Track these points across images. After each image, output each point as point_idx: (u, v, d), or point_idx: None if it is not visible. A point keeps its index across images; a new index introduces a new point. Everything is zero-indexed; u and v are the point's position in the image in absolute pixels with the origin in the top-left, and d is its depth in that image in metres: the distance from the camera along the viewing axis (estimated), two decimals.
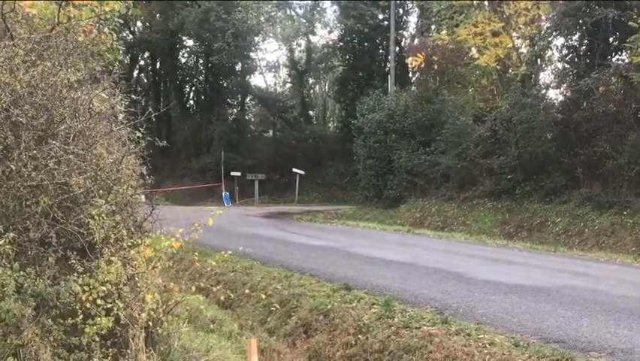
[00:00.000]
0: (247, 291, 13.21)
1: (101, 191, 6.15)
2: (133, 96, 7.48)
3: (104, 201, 5.93)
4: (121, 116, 7.69)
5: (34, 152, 5.73)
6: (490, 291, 11.91)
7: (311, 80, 57.61)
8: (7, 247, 5.39)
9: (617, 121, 23.12)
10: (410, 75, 44.25)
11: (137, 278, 5.73)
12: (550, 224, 23.23)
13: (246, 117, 54.24)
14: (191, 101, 56.77)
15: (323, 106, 58.82)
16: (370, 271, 14.37)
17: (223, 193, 41.86)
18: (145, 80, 57.77)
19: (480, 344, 8.83)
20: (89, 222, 5.80)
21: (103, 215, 5.84)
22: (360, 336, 10.39)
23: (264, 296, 12.35)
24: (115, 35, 9.06)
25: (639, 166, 21.35)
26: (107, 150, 6.64)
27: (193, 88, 56.54)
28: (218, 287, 11.62)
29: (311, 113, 55.67)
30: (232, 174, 41.69)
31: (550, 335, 8.98)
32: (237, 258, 15.82)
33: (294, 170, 41.84)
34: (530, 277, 13.13)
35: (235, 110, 53.61)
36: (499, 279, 12.93)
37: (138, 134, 7.19)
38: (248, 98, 54.75)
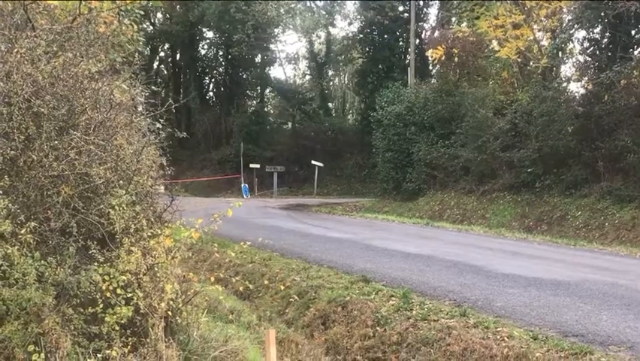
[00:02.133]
0: (266, 282, 13.26)
1: (121, 182, 6.20)
2: (153, 87, 7.47)
3: (124, 192, 5.96)
4: (141, 108, 7.73)
5: (56, 142, 5.77)
6: (508, 284, 11.87)
7: (330, 72, 57.64)
8: (29, 236, 5.44)
9: (639, 114, 22.93)
10: (430, 68, 44.18)
11: (156, 268, 5.76)
12: (571, 218, 23.09)
13: (265, 109, 54.39)
14: (211, 93, 57.01)
15: (342, 98, 58.82)
16: (389, 264, 14.35)
17: (242, 185, 41.99)
18: (165, 72, 57.98)
19: (498, 337, 8.80)
20: (109, 212, 5.84)
21: (123, 205, 5.87)
22: (378, 328, 10.38)
23: (282, 288, 12.38)
24: (135, 27, 9.09)
25: None
26: (127, 141, 6.68)
27: (213, 80, 56.70)
28: (236, 278, 11.70)
29: (330, 105, 55.67)
30: (251, 166, 41.81)
31: (569, 329, 8.93)
32: (256, 249, 15.89)
33: (313, 162, 41.91)
34: (550, 271, 13.05)
35: (254, 102, 53.78)
36: (518, 272, 12.87)
37: (158, 125, 7.23)
38: (267, 90, 54.90)
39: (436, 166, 31.26)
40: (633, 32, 24.52)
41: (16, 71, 5.83)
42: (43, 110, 5.71)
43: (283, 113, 54.63)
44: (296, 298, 12.46)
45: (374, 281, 12.56)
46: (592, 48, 26.36)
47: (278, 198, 40.51)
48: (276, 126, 53.88)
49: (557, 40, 27.61)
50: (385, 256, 15.45)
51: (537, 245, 17.84)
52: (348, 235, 19.67)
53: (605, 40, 25.58)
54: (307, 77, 57.33)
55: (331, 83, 58.35)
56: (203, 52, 55.76)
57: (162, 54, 57.27)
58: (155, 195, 6.79)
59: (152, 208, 6.62)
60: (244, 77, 52.03)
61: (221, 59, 54.48)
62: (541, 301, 10.57)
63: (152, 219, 6.44)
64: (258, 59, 50.70)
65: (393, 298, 11.23)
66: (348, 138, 48.38)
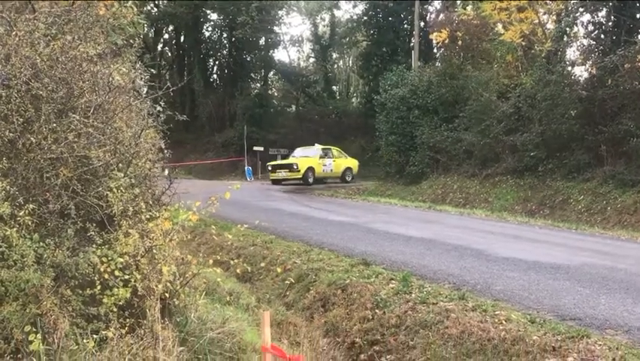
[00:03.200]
0: (264, 265, 13.32)
1: (120, 164, 6.22)
2: (152, 70, 7.45)
3: (122, 175, 5.99)
4: (144, 90, 7.74)
5: (54, 125, 5.80)
6: (508, 268, 11.91)
7: (334, 55, 57.46)
8: (27, 218, 5.48)
9: None
10: (434, 51, 44.02)
11: (154, 250, 5.80)
12: (573, 202, 23.12)
13: (269, 92, 54.30)
14: (215, 76, 56.86)
15: (346, 81, 58.73)
16: (390, 247, 14.39)
17: (246, 168, 42.00)
18: (169, 54, 57.90)
19: (496, 320, 8.84)
20: (107, 194, 5.87)
21: (122, 188, 5.90)
22: (377, 311, 10.44)
23: (279, 270, 12.45)
24: (136, 9, 9.07)
25: None
26: (126, 124, 6.70)
27: (217, 62, 56.59)
28: (236, 260, 11.74)
29: (334, 88, 55.62)
30: (255, 148, 41.81)
31: (567, 313, 8.97)
32: (257, 232, 15.95)
33: (316, 145, 41.89)
34: (550, 255, 13.08)
35: (258, 84, 53.65)
36: (518, 256, 12.90)
37: (158, 108, 7.24)
38: (271, 73, 54.82)
39: (439, 150, 31.24)
40: (638, 16, 24.40)
41: (15, 54, 5.85)
42: (42, 92, 5.73)
43: (287, 96, 54.59)
44: (294, 280, 12.51)
45: (374, 264, 12.60)
46: (596, 32, 26.30)
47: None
48: (280, 109, 53.83)
49: (562, 24, 27.54)
50: (386, 240, 15.49)
51: (538, 229, 17.85)
52: (349, 218, 19.69)
53: (610, 23, 25.48)
54: (311, 60, 57.25)
55: (335, 66, 58.22)
56: (207, 34, 55.64)
57: (166, 36, 57.19)
58: (153, 177, 6.81)
59: (150, 191, 6.65)
60: (248, 59, 51.92)
61: (225, 42, 54.39)
62: (540, 284, 10.60)
63: (151, 202, 6.48)
64: (262, 41, 50.69)
65: (393, 282, 11.28)
66: (351, 121, 48.35)
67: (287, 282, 12.17)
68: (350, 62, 59.26)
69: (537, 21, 29.64)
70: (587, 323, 8.46)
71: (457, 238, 15.54)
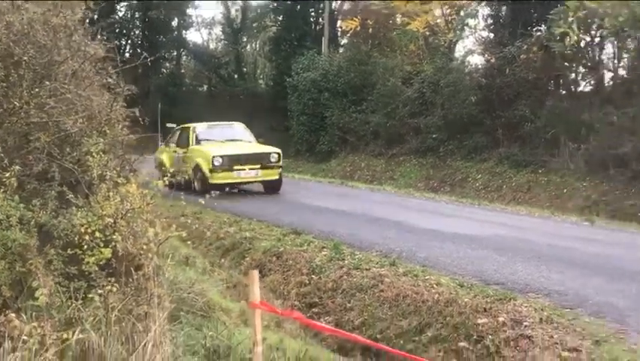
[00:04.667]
0: (202, 233, 13.26)
1: (95, 131, 6.11)
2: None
3: (101, 139, 5.89)
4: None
5: (36, 90, 5.63)
6: (428, 238, 12.24)
7: (245, 39, 57.03)
8: (13, 179, 5.32)
9: (536, 87, 23.89)
10: (340, 38, 44.30)
11: (134, 213, 5.72)
12: (471, 180, 23.87)
13: (182, 71, 53.66)
14: (127, 55, 55.44)
15: (254, 64, 58.32)
16: (315, 219, 14.54)
17: (160, 144, 41.24)
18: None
19: (427, 284, 9.09)
20: (87, 158, 5.75)
21: (101, 153, 5.80)
22: (313, 276, 10.59)
23: (208, 233, 12.41)
24: None
25: (554, 129, 22.07)
26: (96, 94, 6.57)
27: (129, 42, 55.22)
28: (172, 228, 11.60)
29: (245, 70, 55.20)
30: (168, 125, 41.09)
31: (490, 278, 9.31)
32: (185, 203, 15.75)
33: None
34: (462, 227, 13.44)
35: (171, 64, 52.92)
36: (435, 227, 13.25)
37: None
38: (183, 53, 54.11)
39: (348, 130, 31.55)
40: (532, 11, 25.23)
41: None
42: (25, 58, 5.55)
43: (199, 76, 54.02)
44: (229, 247, 12.48)
45: (304, 234, 12.73)
46: (495, 24, 27.08)
47: None
48: (192, 88, 53.22)
49: (462, 14, 28.24)
50: (310, 212, 15.66)
51: (445, 204, 18.31)
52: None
53: (508, 17, 26.27)
54: (222, 42, 56.65)
55: (246, 48, 57.78)
56: (120, 14, 54.20)
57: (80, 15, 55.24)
58: (125, 145, 6.71)
59: (123, 157, 6.56)
60: (160, 39, 51.09)
61: (137, 22, 53.22)
62: (460, 253, 10.95)
63: (124, 168, 6.39)
64: (175, 22, 50.09)
65: (325, 250, 11.44)
66: (262, 102, 48.09)
67: (225, 250, 12.19)
68: (257, 45, 58.80)
69: (440, 12, 30.21)
70: (509, 287, 8.80)
71: (375, 210, 15.81)
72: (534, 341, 7.20)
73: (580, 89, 24.32)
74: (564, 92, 24.81)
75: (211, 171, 18.29)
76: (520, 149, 23.38)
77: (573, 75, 24.38)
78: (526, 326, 7.49)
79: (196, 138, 20.32)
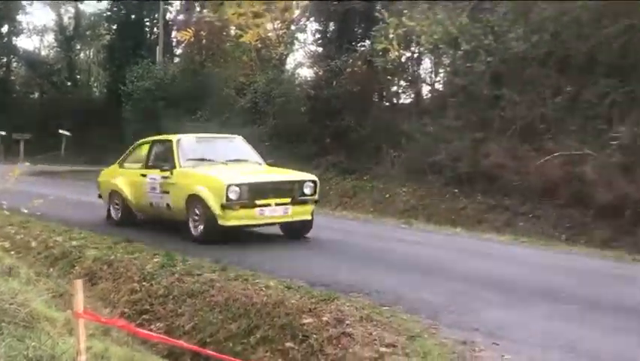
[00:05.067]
0: (27, 243, 12.95)
1: None
2: None
3: None
4: None
5: None
6: (257, 242, 12.61)
7: (79, 46, 55.47)
8: None
9: (361, 99, 25.05)
10: (178, 48, 44.16)
11: None
12: None
13: (12, 78, 51.49)
14: None
15: (87, 72, 56.77)
16: (148, 226, 14.53)
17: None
18: None
19: (257, 287, 9.24)
20: None
21: None
22: (144, 283, 10.54)
23: (34, 244, 12.11)
24: None
25: (378, 138, 23.31)
26: None
27: None
28: None
29: (78, 77, 53.70)
30: (61, 132, 39.68)
31: (316, 280, 9.56)
32: (10, 213, 15.09)
33: (61, 131, 40.40)
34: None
35: (1, 70, 50.67)
36: (261, 231, 13.53)
37: None
38: (14, 60, 51.94)
39: None
40: (357, 27, 26.48)
41: None
42: None
43: (30, 83, 51.98)
44: (59, 256, 12.27)
45: (137, 241, 12.73)
46: (323, 39, 28.14)
47: (26, 165, 38.39)
48: (23, 95, 51.18)
49: (293, 30, 29.10)
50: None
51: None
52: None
53: (334, 33, 27.39)
54: (55, 50, 54.79)
55: (79, 56, 56.11)
56: None
57: None
58: None
59: None
60: None
61: None
62: (289, 256, 11.37)
63: None
64: (5, 29, 48.09)
65: (157, 257, 11.36)
66: (96, 110, 46.92)
67: (54, 259, 11.96)
68: (92, 53, 57.23)
69: (272, 26, 30.91)
70: (333, 287, 9.10)
71: None
72: (355, 338, 7.45)
73: (401, 101, 25.88)
74: (386, 103, 26.28)
75: (224, 207, 12.08)
76: (347, 156, 24.42)
77: (394, 88, 25.91)
78: (347, 325, 7.73)
79: (183, 156, 13.46)
